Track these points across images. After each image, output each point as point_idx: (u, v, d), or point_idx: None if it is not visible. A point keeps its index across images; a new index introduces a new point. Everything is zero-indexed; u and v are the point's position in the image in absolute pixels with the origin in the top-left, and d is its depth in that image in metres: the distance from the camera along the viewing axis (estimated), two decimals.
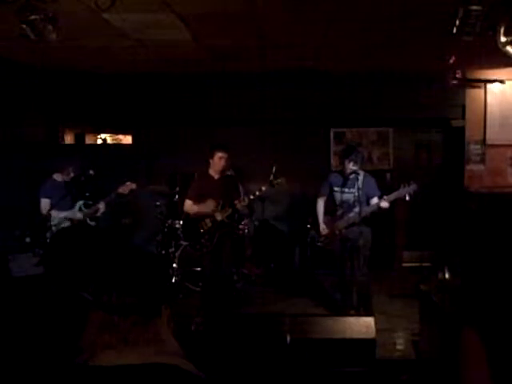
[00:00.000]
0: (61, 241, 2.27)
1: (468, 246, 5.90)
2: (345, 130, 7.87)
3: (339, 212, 5.41)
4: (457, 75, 6.33)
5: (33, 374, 1.71)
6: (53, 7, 3.53)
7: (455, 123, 7.56)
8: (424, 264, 6.93)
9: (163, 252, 6.36)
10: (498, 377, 1.51)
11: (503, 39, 3.72)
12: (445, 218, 7.27)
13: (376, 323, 4.11)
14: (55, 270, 2.08)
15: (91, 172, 5.62)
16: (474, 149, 7.50)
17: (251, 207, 6.74)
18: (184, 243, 6.15)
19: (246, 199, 5.28)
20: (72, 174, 5.68)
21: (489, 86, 7.35)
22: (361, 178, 5.22)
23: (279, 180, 5.29)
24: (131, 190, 5.72)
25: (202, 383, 1.29)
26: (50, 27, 3.54)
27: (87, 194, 5.72)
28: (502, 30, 3.71)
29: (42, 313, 2.02)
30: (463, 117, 7.49)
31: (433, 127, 7.89)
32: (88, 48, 5.68)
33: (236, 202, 5.27)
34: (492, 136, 7.44)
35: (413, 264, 7.31)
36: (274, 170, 5.29)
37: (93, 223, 5.67)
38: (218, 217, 5.28)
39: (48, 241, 5.13)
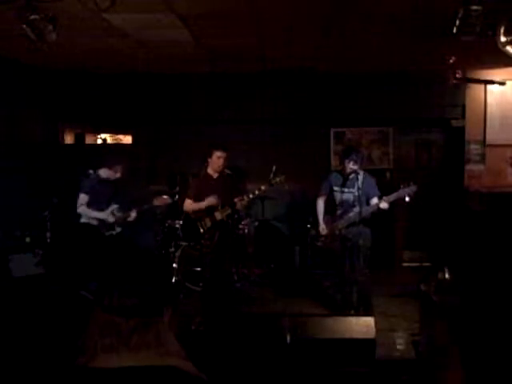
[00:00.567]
0: (62, 240, 2.27)
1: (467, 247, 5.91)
2: (345, 129, 7.87)
3: (339, 212, 5.41)
4: (457, 75, 6.34)
5: (33, 375, 1.71)
6: (53, 7, 3.53)
7: (455, 123, 7.56)
8: (424, 264, 6.94)
9: (163, 252, 6.35)
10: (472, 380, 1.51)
11: (503, 39, 3.73)
12: (445, 217, 7.27)
13: (376, 323, 4.11)
14: (56, 270, 2.09)
15: (91, 172, 5.60)
16: (474, 149, 7.50)
17: (250, 207, 6.75)
18: (184, 243, 6.15)
19: (246, 198, 5.28)
20: (119, 175, 5.49)
21: (489, 85, 7.35)
22: (361, 177, 5.21)
23: (279, 178, 5.28)
24: (166, 204, 5.67)
25: None
26: (50, 27, 3.54)
27: (121, 199, 5.59)
28: (501, 30, 3.71)
29: (42, 313, 2.02)
30: (463, 117, 7.49)
31: (433, 127, 7.90)
32: (88, 48, 5.68)
33: (236, 201, 5.26)
34: (492, 136, 7.44)
35: (413, 264, 7.32)
36: (274, 169, 5.28)
37: (119, 229, 5.51)
38: (218, 216, 5.28)
39: (48, 241, 5.12)
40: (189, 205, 5.44)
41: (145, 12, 4.34)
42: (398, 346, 4.76)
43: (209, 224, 5.33)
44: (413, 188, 5.00)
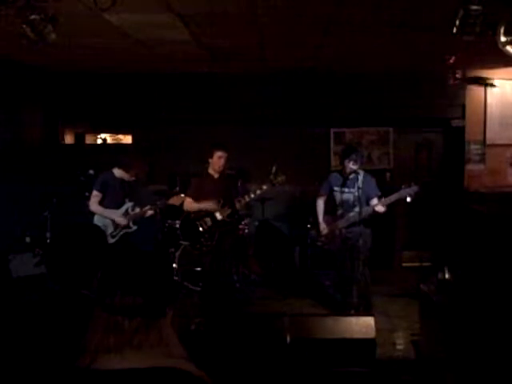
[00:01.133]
0: (63, 239, 2.27)
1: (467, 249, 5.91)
2: (345, 130, 7.87)
3: (339, 212, 5.41)
4: (457, 75, 6.34)
5: (34, 376, 1.70)
6: (53, 7, 3.53)
7: (455, 123, 7.56)
8: (424, 264, 6.94)
9: (163, 252, 6.35)
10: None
11: (503, 39, 3.72)
12: (445, 217, 7.27)
13: (376, 323, 4.10)
14: (57, 269, 2.08)
15: (91, 172, 5.59)
16: (474, 149, 7.50)
17: (250, 207, 6.75)
18: (184, 243, 6.15)
19: (247, 198, 5.28)
20: (133, 178, 5.35)
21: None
22: (361, 177, 5.21)
23: (279, 179, 5.28)
24: (181, 204, 5.61)
25: None
26: (50, 27, 3.54)
27: (135, 197, 5.47)
28: (501, 30, 3.70)
29: (42, 313, 2.01)
30: (463, 117, 7.49)
31: (433, 127, 7.90)
32: (88, 48, 5.68)
33: (236, 201, 5.26)
34: (492, 136, 7.44)
35: (413, 264, 7.32)
36: (274, 169, 5.28)
37: (135, 227, 5.40)
38: (218, 216, 5.28)
39: (48, 241, 5.10)
40: (188, 203, 5.44)
41: (145, 12, 4.33)
42: (398, 346, 4.77)
43: (209, 223, 5.33)
44: (414, 188, 5.00)
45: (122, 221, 5.27)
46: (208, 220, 5.31)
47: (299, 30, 5.02)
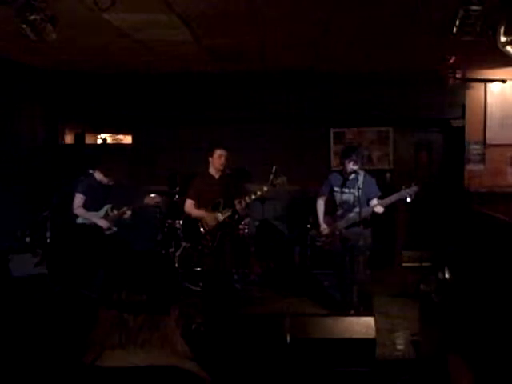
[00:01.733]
0: (63, 239, 2.27)
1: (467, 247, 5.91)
2: (345, 130, 7.87)
3: (339, 212, 5.41)
4: (457, 75, 6.33)
5: (38, 374, 1.71)
6: (53, 7, 3.53)
7: (455, 123, 7.56)
8: (424, 264, 6.94)
9: (163, 252, 6.35)
10: None
11: (503, 39, 3.72)
12: (445, 217, 7.27)
13: (376, 323, 4.11)
14: (57, 269, 2.08)
15: (91, 172, 5.59)
16: (474, 149, 7.50)
17: (250, 207, 6.75)
18: (185, 243, 6.15)
19: (247, 199, 5.27)
20: (111, 183, 5.43)
21: (489, 85, 7.36)
22: (361, 178, 5.21)
23: (280, 180, 5.28)
24: (156, 202, 5.64)
25: None
26: (49, 27, 3.54)
27: (115, 199, 5.51)
28: (501, 30, 3.71)
29: (43, 312, 2.01)
30: (463, 117, 7.49)
31: (433, 127, 7.90)
32: (88, 48, 5.68)
33: (236, 202, 5.25)
34: (492, 136, 7.44)
35: (413, 264, 7.32)
36: (274, 169, 5.27)
37: (115, 229, 5.44)
38: (219, 217, 5.27)
39: (48, 241, 5.10)
40: (188, 207, 5.42)
41: (145, 12, 4.33)
42: (398, 346, 4.77)
43: (210, 225, 5.31)
44: (414, 189, 5.00)
45: (103, 223, 5.34)
46: (212, 216, 5.28)
47: (299, 30, 5.02)
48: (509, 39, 3.71)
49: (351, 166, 5.17)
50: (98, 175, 5.43)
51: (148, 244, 6.87)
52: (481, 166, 7.50)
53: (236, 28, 4.90)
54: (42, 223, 5.92)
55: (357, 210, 5.13)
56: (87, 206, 5.37)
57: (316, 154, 7.72)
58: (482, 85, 7.37)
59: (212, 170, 5.40)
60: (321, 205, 5.59)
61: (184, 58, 6.30)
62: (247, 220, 6.82)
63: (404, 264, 7.43)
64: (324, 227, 5.50)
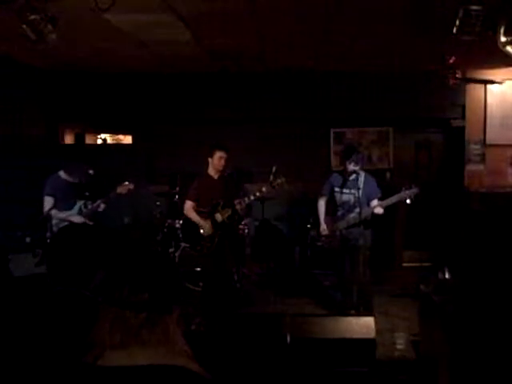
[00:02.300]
0: (62, 239, 2.28)
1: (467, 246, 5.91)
2: (345, 130, 7.87)
3: (340, 212, 5.41)
4: (457, 75, 6.34)
5: (39, 374, 1.71)
6: (53, 7, 3.53)
7: (455, 123, 7.56)
8: (424, 264, 6.95)
9: (163, 252, 6.35)
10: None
11: (503, 39, 3.73)
12: (445, 217, 7.27)
13: (376, 323, 4.10)
14: (56, 268, 2.09)
15: (91, 172, 5.58)
16: (474, 149, 7.50)
17: (250, 207, 6.75)
18: (184, 244, 6.15)
19: (246, 200, 5.27)
20: (77, 180, 5.50)
21: (489, 85, 7.36)
22: (362, 178, 5.21)
23: (279, 181, 5.27)
24: (129, 190, 5.65)
25: None
26: (49, 27, 3.54)
27: (87, 194, 5.63)
28: (501, 30, 3.71)
29: (43, 312, 2.02)
30: (463, 117, 7.49)
31: (433, 127, 7.90)
32: (88, 48, 5.68)
33: (236, 202, 5.25)
34: (492, 136, 7.44)
35: (413, 264, 7.32)
36: (274, 170, 5.27)
37: (91, 223, 5.49)
38: (218, 218, 5.27)
39: (48, 241, 5.09)
40: (187, 209, 5.42)
41: (145, 12, 4.34)
42: (398, 346, 4.76)
43: (210, 228, 5.31)
44: (414, 190, 4.99)
45: (78, 220, 5.36)
46: (208, 225, 5.29)
47: (299, 30, 5.02)
48: (509, 39, 3.71)
49: (352, 167, 5.17)
50: (63, 174, 5.46)
51: (148, 244, 6.87)
52: (481, 166, 7.50)
53: (236, 28, 4.90)
54: (42, 223, 5.92)
55: (357, 210, 5.13)
56: (58, 207, 5.35)
57: (316, 154, 7.72)
58: (481, 85, 7.37)
59: (211, 171, 5.39)
60: (322, 205, 5.58)
61: (184, 58, 6.31)
62: (247, 220, 6.82)
63: (404, 264, 7.44)
64: (324, 227, 5.49)
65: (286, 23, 4.77)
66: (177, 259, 6.25)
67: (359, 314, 4.91)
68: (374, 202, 5.19)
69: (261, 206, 7.03)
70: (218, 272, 5.35)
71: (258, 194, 5.30)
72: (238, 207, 5.25)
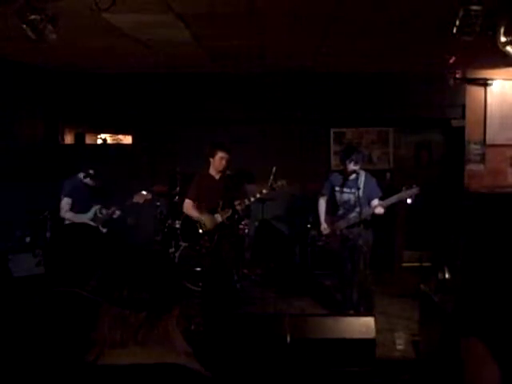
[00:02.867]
0: (62, 239, 2.28)
1: (468, 244, 5.90)
2: (345, 130, 7.87)
3: (340, 212, 5.41)
4: (457, 75, 6.34)
5: (40, 374, 1.71)
6: (53, 7, 3.53)
7: (455, 123, 7.55)
8: (424, 264, 6.94)
9: (163, 252, 6.35)
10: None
11: (503, 39, 3.73)
12: (445, 217, 7.27)
13: (376, 323, 4.11)
14: (56, 268, 2.09)
15: (91, 172, 5.59)
16: (474, 149, 7.50)
17: (250, 208, 6.74)
18: (184, 244, 6.15)
19: (246, 201, 5.26)
20: (95, 184, 5.51)
21: (489, 85, 7.35)
22: (362, 178, 5.21)
23: (280, 183, 5.26)
24: (146, 200, 5.65)
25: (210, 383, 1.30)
26: (49, 27, 3.54)
27: (102, 199, 5.55)
28: (501, 30, 3.71)
29: (43, 312, 2.02)
30: (463, 117, 7.48)
31: (433, 127, 7.90)
32: (88, 48, 5.68)
33: (236, 203, 5.25)
34: (492, 136, 7.44)
35: (413, 264, 7.32)
36: (274, 171, 5.26)
37: (105, 230, 5.49)
38: (218, 218, 5.27)
39: (48, 241, 5.11)
40: (188, 208, 5.42)
41: (145, 12, 4.33)
42: (398, 346, 4.77)
43: (208, 226, 5.31)
44: (414, 190, 4.99)
45: (92, 222, 5.38)
46: (209, 219, 5.28)
47: (299, 30, 5.01)
48: (509, 39, 3.71)
49: (352, 166, 5.17)
50: (83, 177, 5.49)
51: (148, 244, 6.87)
52: (481, 166, 7.49)
53: (236, 28, 4.90)
54: (42, 223, 5.93)
55: (357, 210, 5.13)
56: (74, 208, 5.38)
57: (316, 154, 7.72)
58: (481, 85, 7.37)
59: (212, 171, 5.39)
60: (322, 205, 5.58)
61: (184, 58, 6.31)
62: (247, 220, 6.82)
63: (404, 264, 7.44)
64: (324, 227, 5.49)
65: (286, 23, 4.77)
66: (177, 259, 6.25)
67: (359, 314, 4.91)
68: (375, 202, 5.19)
69: (261, 206, 7.03)
70: (217, 272, 5.35)
71: (258, 195, 5.30)
72: (237, 208, 5.24)
